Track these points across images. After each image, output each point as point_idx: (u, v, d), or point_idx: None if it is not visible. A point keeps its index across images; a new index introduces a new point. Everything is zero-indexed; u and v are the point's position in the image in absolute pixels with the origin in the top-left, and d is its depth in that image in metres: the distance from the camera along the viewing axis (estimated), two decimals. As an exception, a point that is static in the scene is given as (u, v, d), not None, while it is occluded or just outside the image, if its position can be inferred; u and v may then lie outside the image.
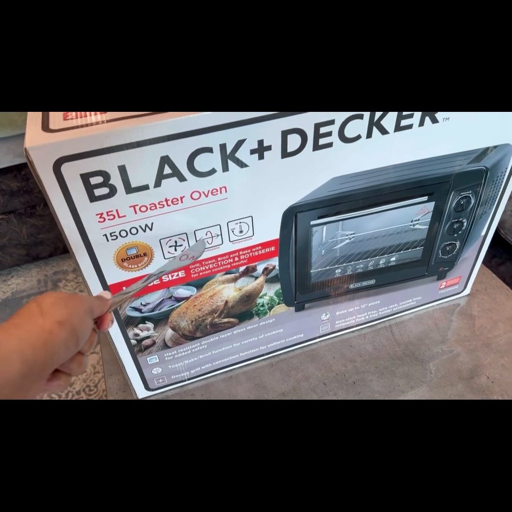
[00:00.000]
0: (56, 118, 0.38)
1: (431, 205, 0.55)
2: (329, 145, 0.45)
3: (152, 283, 0.47)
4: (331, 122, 0.43)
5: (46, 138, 0.36)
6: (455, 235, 0.60)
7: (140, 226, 0.44)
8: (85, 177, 0.38)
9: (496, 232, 0.64)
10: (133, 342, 0.54)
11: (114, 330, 0.52)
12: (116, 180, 0.39)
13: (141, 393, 0.61)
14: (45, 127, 0.37)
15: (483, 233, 0.62)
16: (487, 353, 0.64)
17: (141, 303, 0.51)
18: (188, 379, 0.62)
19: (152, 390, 0.61)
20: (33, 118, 0.38)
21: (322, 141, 0.44)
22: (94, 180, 0.39)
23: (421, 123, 0.47)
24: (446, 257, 0.62)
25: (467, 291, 0.71)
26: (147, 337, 0.54)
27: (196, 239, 0.47)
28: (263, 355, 0.64)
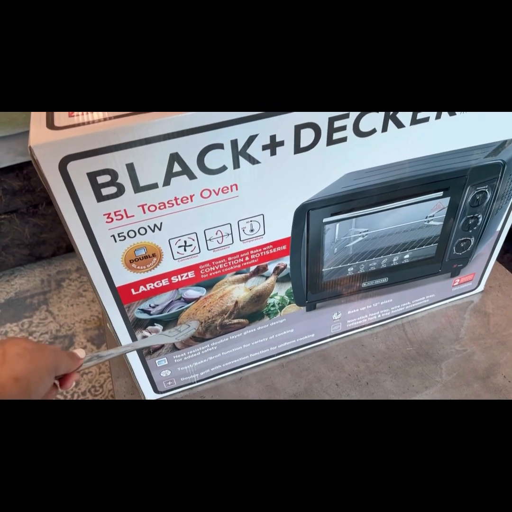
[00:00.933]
0: (61, 115, 0.36)
1: (446, 201, 0.54)
2: (343, 139, 0.43)
3: (127, 353, 0.48)
4: (346, 115, 0.41)
5: (51, 135, 0.34)
6: (470, 231, 0.58)
7: (148, 226, 0.42)
8: (92, 176, 0.37)
9: (510, 228, 0.62)
10: (142, 344, 0.53)
11: (123, 333, 0.50)
12: (124, 178, 0.38)
13: (150, 395, 0.60)
14: (50, 124, 0.35)
15: (498, 228, 0.61)
16: (503, 351, 0.63)
17: (149, 305, 0.49)
18: (198, 381, 0.61)
19: (161, 392, 0.60)
20: (37, 115, 0.36)
21: (336, 135, 0.42)
22: (102, 179, 0.37)
23: (438, 116, 0.45)
24: (460, 253, 0.61)
25: (481, 288, 0.70)
26: (156, 340, 0.53)
27: (206, 238, 0.46)
28: (273, 356, 0.63)
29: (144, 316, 0.50)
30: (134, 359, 0.54)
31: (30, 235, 1.36)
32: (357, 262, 0.56)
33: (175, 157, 0.38)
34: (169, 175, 0.39)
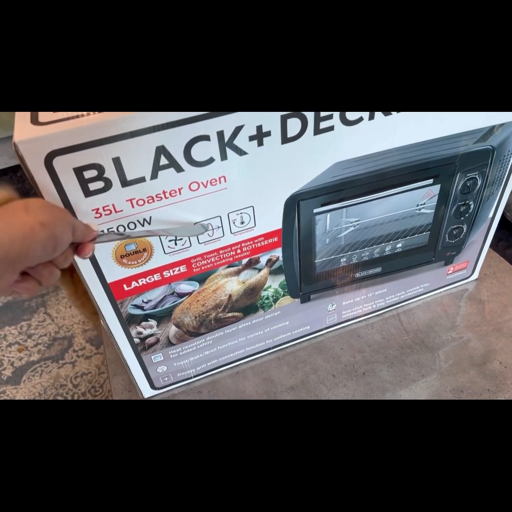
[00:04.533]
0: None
1: (436, 188, 0.54)
2: (331, 128, 0.43)
3: (149, 236, 0.44)
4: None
5: (36, 131, 0.34)
6: (462, 218, 0.58)
7: (138, 221, 0.42)
8: (79, 171, 0.37)
9: (502, 215, 0.62)
10: (137, 340, 0.53)
11: (117, 329, 0.50)
12: (111, 173, 0.38)
13: (147, 392, 0.60)
14: (34, 120, 0.35)
15: (490, 215, 0.61)
16: (499, 338, 0.63)
17: (142, 301, 0.49)
18: (194, 376, 0.61)
19: (158, 388, 0.60)
20: (22, 112, 0.36)
21: (323, 124, 0.42)
22: (88, 174, 0.37)
23: (425, 103, 0.45)
24: (453, 241, 0.61)
25: (475, 275, 0.70)
26: (151, 335, 0.53)
27: (196, 232, 0.46)
28: (269, 349, 0.63)
29: (138, 311, 0.50)
30: (129, 356, 0.54)
31: (26, 238, 1.36)
32: (349, 253, 0.56)
33: (161, 150, 0.38)
34: (156, 168, 0.39)
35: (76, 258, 0.42)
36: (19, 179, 1.25)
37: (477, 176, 0.54)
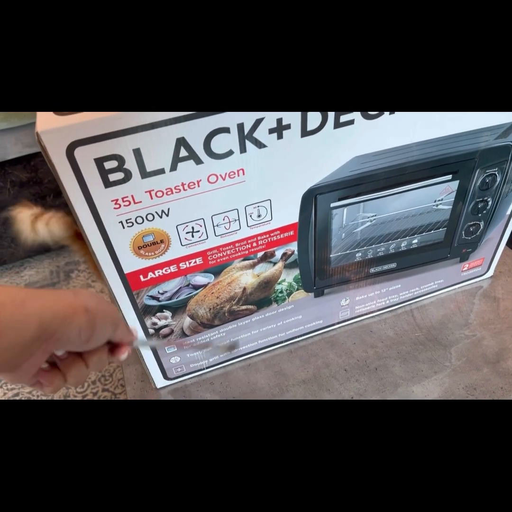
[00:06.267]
0: (67, 100, 0.36)
1: (455, 184, 0.53)
2: (351, 122, 0.43)
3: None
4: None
5: (58, 121, 0.34)
6: (479, 215, 0.58)
7: (156, 212, 0.42)
8: (99, 162, 0.37)
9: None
10: (151, 331, 0.53)
11: (132, 319, 0.51)
12: (131, 164, 0.38)
13: (160, 382, 0.60)
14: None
15: (508, 212, 0.60)
16: (513, 336, 0.63)
17: (158, 292, 0.50)
18: (207, 368, 0.61)
19: (171, 379, 0.61)
20: (44, 101, 0.36)
21: (343, 118, 0.42)
22: (109, 165, 0.37)
23: (447, 97, 0.44)
24: (469, 238, 0.60)
25: (490, 273, 0.69)
26: (165, 326, 0.53)
27: (213, 224, 0.46)
28: (282, 342, 0.63)
29: (153, 302, 0.50)
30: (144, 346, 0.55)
31: (38, 226, 1.37)
32: (365, 248, 0.56)
33: (181, 142, 0.38)
34: (176, 160, 0.39)
35: (92, 246, 0.42)
36: (32, 168, 1.25)
37: (496, 172, 0.54)
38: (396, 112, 0.44)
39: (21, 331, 0.26)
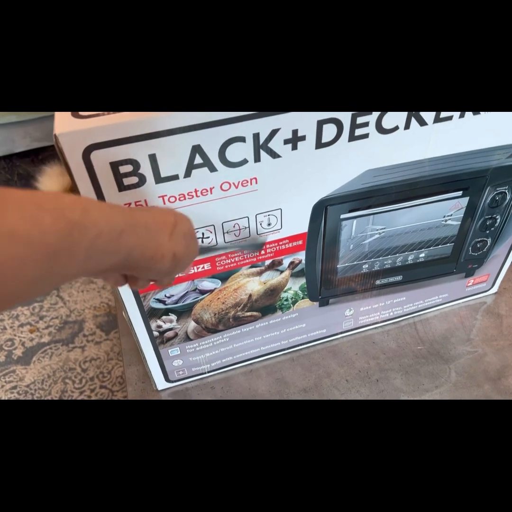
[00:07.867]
0: (85, 103, 0.36)
1: (465, 201, 0.53)
2: (365, 136, 0.43)
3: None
4: (369, 112, 0.41)
5: (76, 124, 0.34)
6: (487, 231, 0.58)
7: (168, 217, 0.42)
8: (115, 166, 0.37)
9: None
10: (156, 333, 0.53)
11: (137, 322, 0.51)
12: (146, 169, 0.38)
13: (161, 384, 0.61)
14: (75, 113, 0.35)
15: (516, 230, 0.60)
16: (515, 353, 0.63)
17: (165, 295, 0.50)
18: (208, 372, 0.62)
19: (172, 381, 0.61)
20: (62, 103, 0.37)
21: (358, 131, 0.42)
22: (124, 169, 0.37)
23: (462, 115, 0.45)
24: (476, 254, 0.60)
25: (495, 289, 0.69)
26: (170, 329, 0.54)
27: (223, 231, 0.46)
28: (284, 349, 0.63)
29: (159, 305, 0.50)
30: (147, 348, 0.55)
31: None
32: (372, 259, 0.56)
33: (197, 149, 0.38)
34: (190, 167, 0.39)
35: None
36: (40, 162, 1.25)
37: (506, 190, 0.54)
38: (411, 127, 0.44)
39: (108, 259, 0.28)
